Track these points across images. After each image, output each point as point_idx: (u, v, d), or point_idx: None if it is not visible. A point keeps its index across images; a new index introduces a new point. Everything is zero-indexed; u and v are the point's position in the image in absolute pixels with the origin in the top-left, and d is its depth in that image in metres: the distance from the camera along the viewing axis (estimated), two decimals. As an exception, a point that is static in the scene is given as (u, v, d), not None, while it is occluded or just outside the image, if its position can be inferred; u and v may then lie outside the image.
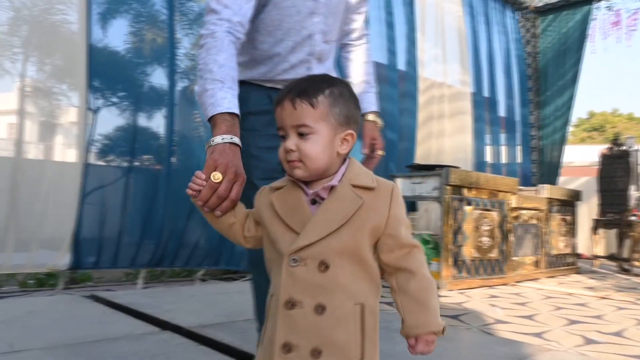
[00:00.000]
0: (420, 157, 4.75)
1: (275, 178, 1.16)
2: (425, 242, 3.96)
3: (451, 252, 3.69)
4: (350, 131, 0.90)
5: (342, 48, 1.66)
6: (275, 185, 0.94)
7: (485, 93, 5.56)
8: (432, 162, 4.65)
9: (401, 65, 4.63)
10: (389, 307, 2.84)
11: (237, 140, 1.06)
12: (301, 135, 0.87)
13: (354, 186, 0.87)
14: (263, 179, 1.30)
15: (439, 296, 3.28)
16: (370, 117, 1.59)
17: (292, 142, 0.88)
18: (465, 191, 3.83)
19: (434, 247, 3.91)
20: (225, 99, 1.10)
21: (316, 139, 0.87)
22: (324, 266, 0.84)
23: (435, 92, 5.09)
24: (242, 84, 1.40)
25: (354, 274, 0.85)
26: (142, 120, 3.64)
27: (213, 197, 0.97)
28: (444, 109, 5.15)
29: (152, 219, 3.27)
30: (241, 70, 1.40)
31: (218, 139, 1.04)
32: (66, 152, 3.91)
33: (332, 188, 0.88)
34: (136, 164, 3.50)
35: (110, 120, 3.51)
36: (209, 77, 1.12)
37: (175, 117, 3.62)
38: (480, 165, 5.34)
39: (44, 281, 3.09)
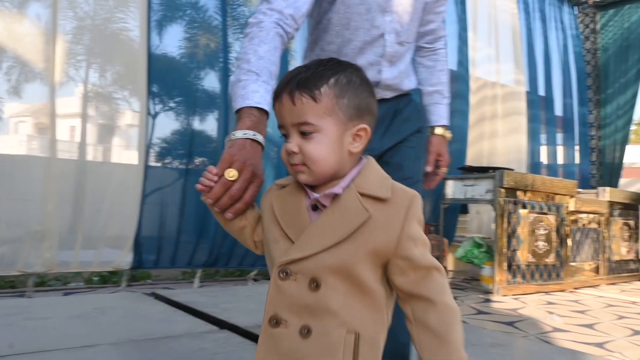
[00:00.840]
0: (472, 158, 4.66)
1: None
2: (477, 245, 3.89)
3: (505, 256, 3.60)
4: (362, 125, 0.78)
5: (416, 52, 1.55)
6: (280, 182, 0.84)
7: (541, 92, 5.38)
8: (484, 163, 4.56)
9: (452, 65, 4.55)
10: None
11: (260, 138, 0.95)
12: (304, 134, 0.75)
13: (363, 195, 0.75)
14: None
15: (492, 301, 3.23)
16: (439, 130, 1.49)
17: (293, 142, 0.76)
18: (520, 194, 3.73)
19: (487, 250, 3.83)
20: (256, 93, 0.99)
21: (321, 138, 0.75)
22: (314, 284, 0.73)
23: (488, 92, 4.98)
24: None
25: (350, 298, 0.73)
26: (197, 124, 3.77)
27: (225, 197, 0.87)
28: (497, 109, 5.03)
29: (207, 220, 3.38)
30: None
31: (239, 133, 0.93)
32: (127, 154, 4.10)
33: (335, 196, 0.76)
34: (192, 166, 3.62)
35: (167, 124, 3.65)
36: (245, 67, 1.03)
37: (228, 119, 3.72)
38: (534, 166, 5.17)
39: (107, 278, 3.26)
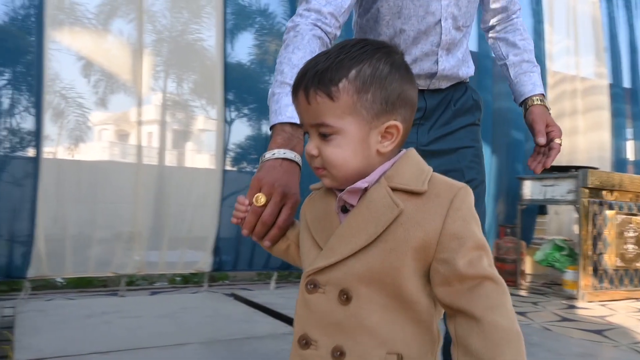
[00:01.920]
0: (550, 156, 4.44)
1: None
2: (558, 248, 3.71)
3: (590, 260, 3.41)
4: (393, 122, 0.66)
5: (489, 30, 1.44)
6: (314, 186, 0.76)
7: (626, 84, 5.04)
8: (564, 162, 4.33)
9: (527, 60, 4.37)
10: (521, 317, 2.72)
11: (292, 155, 0.87)
12: (323, 135, 0.66)
13: (394, 189, 0.65)
14: None
15: (577, 307, 3.07)
16: (538, 100, 1.32)
17: (313, 144, 0.68)
18: (606, 194, 3.52)
19: (569, 254, 3.65)
20: (289, 107, 0.90)
21: (341, 140, 0.65)
22: (345, 297, 0.64)
23: (567, 87, 4.73)
24: None
25: (388, 312, 0.63)
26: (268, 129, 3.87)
27: (258, 225, 0.81)
28: (577, 104, 4.76)
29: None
30: None
31: (268, 155, 0.87)
32: (204, 159, 4.28)
33: (365, 191, 0.67)
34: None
35: (241, 129, 3.78)
36: (279, 79, 0.96)
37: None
38: (620, 163, 4.85)
39: (189, 278, 3.41)
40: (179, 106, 3.82)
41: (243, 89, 3.76)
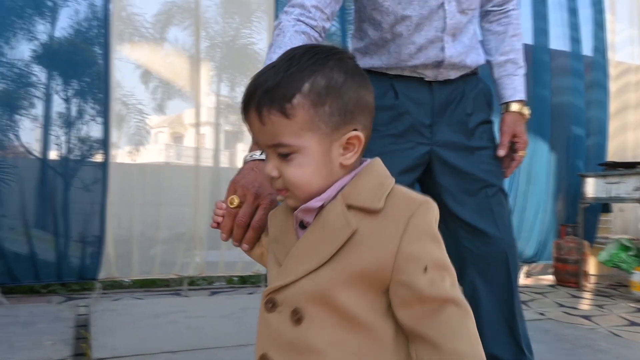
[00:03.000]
0: (613, 152, 4.24)
1: None
2: (624, 248, 3.54)
3: (660, 261, 3.24)
4: (353, 133, 0.63)
5: (483, 17, 1.35)
6: (280, 197, 0.70)
7: (697, 73, 4.73)
8: (629, 158, 4.13)
9: (587, 51, 4.18)
10: (586, 321, 2.62)
11: None
12: (283, 155, 0.63)
13: (350, 207, 0.62)
14: None
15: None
16: (515, 107, 1.27)
17: (271, 165, 0.64)
18: (677, 192, 3.32)
19: (636, 254, 3.47)
20: None
21: (302, 159, 0.62)
22: (297, 317, 0.62)
23: (632, 78, 4.49)
24: None
25: (340, 334, 0.60)
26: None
27: (234, 227, 0.80)
28: (643, 96, 4.52)
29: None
30: (359, 57, 1.22)
31: (247, 157, 0.86)
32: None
33: (320, 210, 0.64)
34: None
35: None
36: None
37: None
38: (690, 158, 4.57)
39: (246, 279, 3.50)
40: (232, 109, 3.92)
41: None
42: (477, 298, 1.19)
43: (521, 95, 1.29)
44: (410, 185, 1.20)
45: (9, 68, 2.97)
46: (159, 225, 3.28)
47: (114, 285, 3.13)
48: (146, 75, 3.78)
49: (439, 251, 0.61)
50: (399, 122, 1.20)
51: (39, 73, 3.07)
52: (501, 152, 1.25)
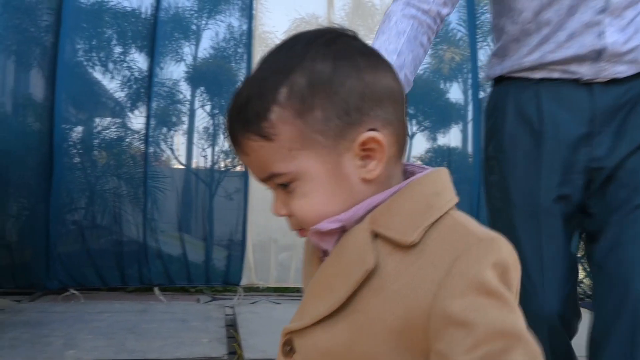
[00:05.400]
0: None
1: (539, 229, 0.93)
2: None
3: None
4: (367, 134, 0.47)
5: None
6: None
7: None
8: None
9: None
10: None
11: None
12: (283, 185, 0.50)
13: (376, 235, 0.47)
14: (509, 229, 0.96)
15: None
16: None
17: (278, 202, 0.52)
18: None
19: None
20: None
21: (305, 186, 0.49)
22: None
23: None
24: (499, 82, 1.06)
25: None
26: (447, 138, 3.82)
27: None
28: None
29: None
30: (497, 63, 1.06)
31: None
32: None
33: (343, 233, 0.50)
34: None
35: (420, 140, 3.79)
36: None
37: (477, 131, 3.66)
38: None
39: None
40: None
41: (417, 98, 3.76)
42: None
43: None
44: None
45: (159, 87, 3.30)
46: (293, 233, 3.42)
47: (250, 288, 3.32)
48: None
49: (501, 312, 0.42)
50: (542, 144, 0.99)
51: (185, 91, 3.39)
52: None
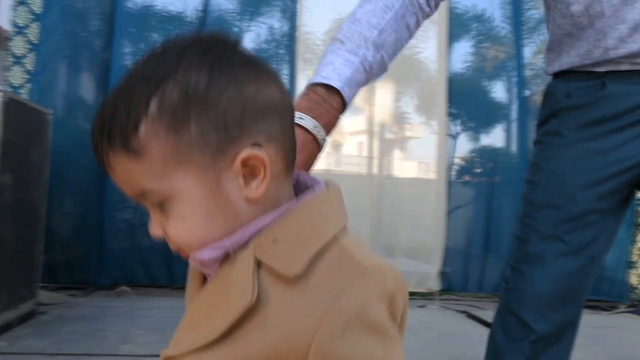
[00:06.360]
0: None
1: (581, 231, 0.89)
2: None
3: None
4: (248, 152, 0.44)
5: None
6: None
7: None
8: None
9: None
10: None
11: (310, 124, 0.67)
12: (159, 205, 0.45)
13: (261, 265, 0.43)
14: (548, 237, 0.96)
15: None
16: None
17: (155, 222, 0.47)
18: None
19: None
20: (329, 66, 0.72)
21: (181, 208, 0.44)
22: None
23: None
24: (556, 77, 1.03)
25: None
26: (490, 139, 3.74)
27: None
28: None
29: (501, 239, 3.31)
30: (554, 58, 1.01)
31: None
32: (426, 170, 4.34)
33: (226, 258, 0.46)
34: (482, 180, 3.61)
35: (463, 140, 3.74)
36: (335, 36, 0.78)
37: (522, 130, 3.58)
38: None
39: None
40: (398, 118, 3.95)
41: (460, 98, 3.71)
42: None
43: None
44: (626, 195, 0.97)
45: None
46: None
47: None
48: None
49: (383, 351, 0.41)
50: (598, 125, 0.95)
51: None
52: None
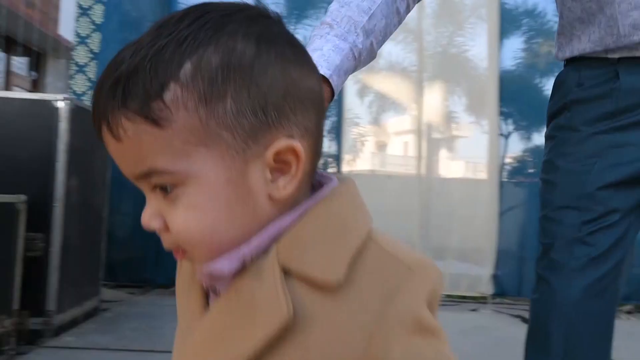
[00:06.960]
0: None
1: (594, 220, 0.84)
2: None
3: None
4: (285, 142, 0.38)
5: None
6: None
7: None
8: None
9: None
10: None
11: None
12: (163, 190, 0.38)
13: (289, 273, 0.37)
14: (572, 240, 0.90)
15: None
16: None
17: (150, 211, 0.39)
18: None
19: None
20: (316, 52, 0.68)
21: (194, 194, 0.37)
22: None
23: None
24: (567, 65, 0.98)
25: None
26: (543, 139, 3.63)
27: None
28: None
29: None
30: (565, 43, 0.97)
31: None
32: (478, 171, 4.26)
33: (243, 270, 0.39)
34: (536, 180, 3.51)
35: (514, 139, 3.64)
36: (323, 19, 0.75)
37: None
38: None
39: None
40: (446, 118, 3.90)
41: (511, 96, 3.62)
42: None
43: None
44: None
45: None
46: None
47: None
48: (363, 90, 4.01)
49: (436, 351, 0.37)
50: (611, 118, 0.90)
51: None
52: None
